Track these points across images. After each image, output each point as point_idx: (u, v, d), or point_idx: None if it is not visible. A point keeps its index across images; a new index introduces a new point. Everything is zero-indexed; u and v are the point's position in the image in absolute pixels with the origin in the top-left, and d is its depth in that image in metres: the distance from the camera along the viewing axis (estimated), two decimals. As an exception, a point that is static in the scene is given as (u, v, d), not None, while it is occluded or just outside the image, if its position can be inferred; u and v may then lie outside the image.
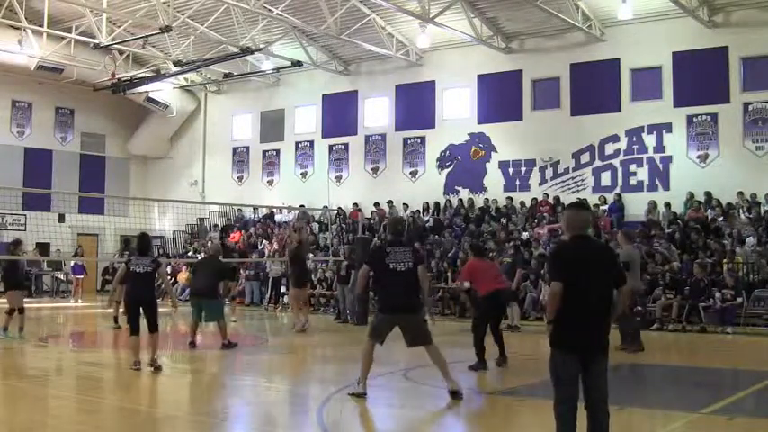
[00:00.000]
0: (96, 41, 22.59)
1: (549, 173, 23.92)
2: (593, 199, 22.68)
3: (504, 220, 23.30)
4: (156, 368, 10.35)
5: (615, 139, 22.80)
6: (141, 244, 10.94)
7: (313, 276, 23.66)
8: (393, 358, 10.96)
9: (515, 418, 8.37)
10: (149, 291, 10.72)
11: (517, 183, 24.44)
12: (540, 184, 23.94)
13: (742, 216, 20.15)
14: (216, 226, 30.07)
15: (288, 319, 21.50)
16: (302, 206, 27.17)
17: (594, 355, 5.44)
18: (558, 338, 5.44)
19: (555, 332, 5.45)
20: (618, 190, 22.63)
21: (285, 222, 28.17)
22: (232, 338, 13.34)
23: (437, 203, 25.46)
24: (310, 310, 22.44)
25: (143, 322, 10.47)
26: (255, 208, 28.93)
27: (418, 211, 25.45)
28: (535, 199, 23.60)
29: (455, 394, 8.48)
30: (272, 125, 29.91)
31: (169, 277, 26.40)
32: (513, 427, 8.05)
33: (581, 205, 6.22)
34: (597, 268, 5.51)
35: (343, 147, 28.09)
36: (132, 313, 10.50)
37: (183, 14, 22.93)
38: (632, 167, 22.58)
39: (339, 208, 26.55)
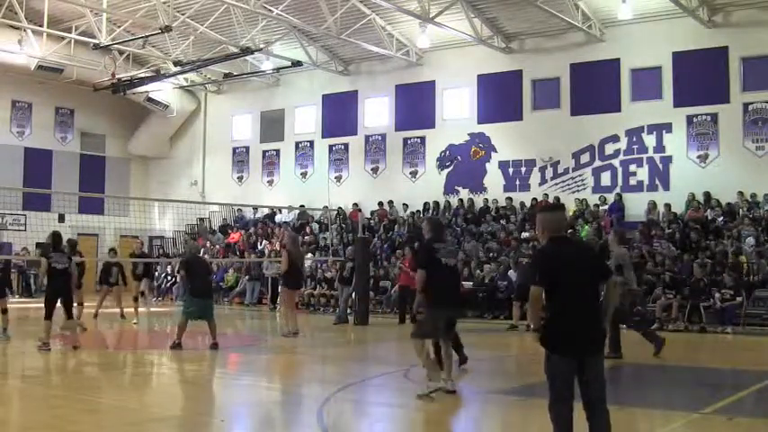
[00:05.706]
0: (96, 41, 22.57)
1: (549, 173, 23.91)
2: (593, 199, 22.73)
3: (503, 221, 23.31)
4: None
5: (615, 139, 22.79)
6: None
7: (312, 277, 23.71)
8: (393, 358, 10.95)
9: (515, 418, 8.35)
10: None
11: (517, 183, 24.42)
12: (540, 184, 23.93)
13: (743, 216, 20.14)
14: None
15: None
16: (302, 206, 27.18)
17: (590, 355, 5.43)
18: (552, 341, 5.43)
19: (548, 335, 5.44)
20: (618, 190, 22.61)
21: (285, 222, 28.20)
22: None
23: (437, 203, 25.48)
24: (310, 311, 22.51)
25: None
26: (255, 208, 28.91)
27: (419, 211, 25.45)
28: (535, 199, 23.54)
29: (450, 393, 8.66)
30: (272, 125, 29.90)
31: (171, 277, 26.87)
32: (513, 427, 8.05)
33: (555, 206, 6.28)
34: (580, 267, 5.50)
35: (343, 147, 28.08)
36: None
37: (183, 14, 22.93)
38: (632, 167, 22.57)
39: (339, 208, 26.54)
